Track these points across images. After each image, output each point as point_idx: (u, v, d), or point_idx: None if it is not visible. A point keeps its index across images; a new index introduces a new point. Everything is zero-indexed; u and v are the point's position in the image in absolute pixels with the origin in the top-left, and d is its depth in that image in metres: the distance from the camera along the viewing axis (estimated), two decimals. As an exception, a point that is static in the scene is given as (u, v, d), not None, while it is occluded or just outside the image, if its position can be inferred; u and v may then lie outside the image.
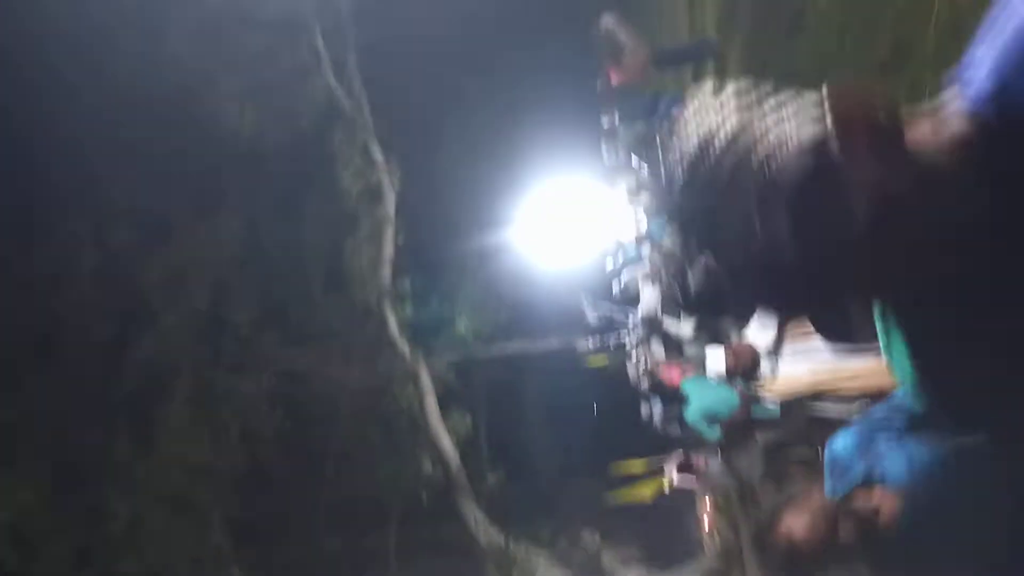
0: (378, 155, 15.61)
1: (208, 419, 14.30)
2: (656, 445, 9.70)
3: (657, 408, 9.02)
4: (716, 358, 4.79)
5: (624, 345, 9.98)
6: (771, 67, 7.62)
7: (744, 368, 4.63)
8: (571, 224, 12.42)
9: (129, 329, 14.48)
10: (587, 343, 11.31)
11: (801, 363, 4.28)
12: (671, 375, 6.82)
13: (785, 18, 7.00)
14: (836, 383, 4.14)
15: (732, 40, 9.01)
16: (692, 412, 6.57)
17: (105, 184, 14.59)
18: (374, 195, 15.62)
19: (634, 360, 9.73)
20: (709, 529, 15.19)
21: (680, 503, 13.02)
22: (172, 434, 13.87)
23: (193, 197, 15.38)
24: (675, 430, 8.65)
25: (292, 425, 14.98)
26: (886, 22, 4.84)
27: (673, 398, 7.19)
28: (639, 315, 7.36)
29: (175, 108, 14.65)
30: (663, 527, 15.13)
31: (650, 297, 6.73)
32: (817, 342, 4.12)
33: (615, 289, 10.43)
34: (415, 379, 15.34)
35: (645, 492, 11.79)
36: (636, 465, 12.97)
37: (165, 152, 14.78)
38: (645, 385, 8.43)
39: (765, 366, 4.60)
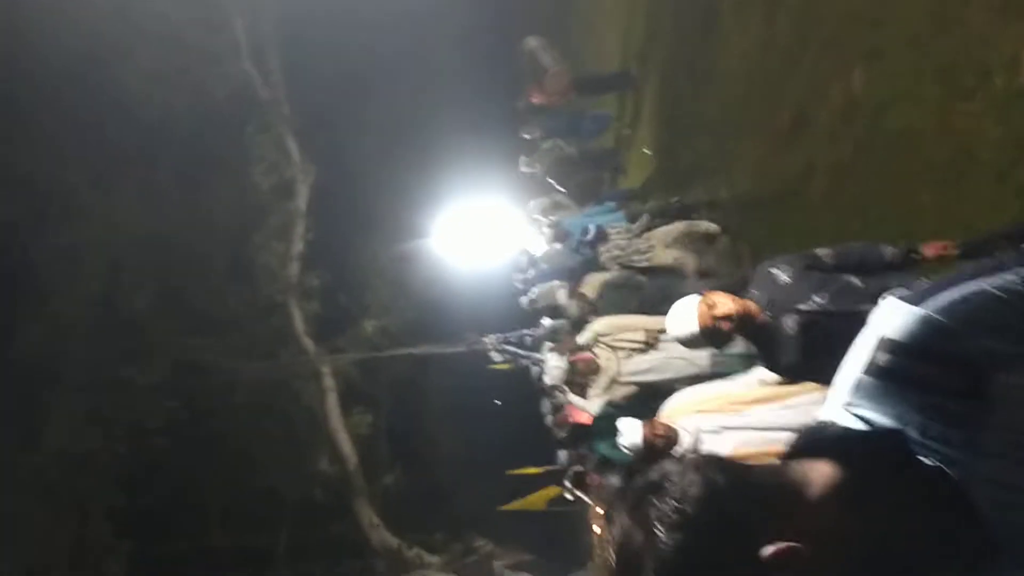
0: (293, 149, 15.37)
1: (96, 408, 13.79)
2: (552, 451, 9.97)
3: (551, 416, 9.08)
4: (632, 430, 4.40)
5: (528, 359, 10.19)
6: (680, 109, 7.97)
7: (661, 444, 4.25)
8: (483, 233, 12.61)
9: (16, 311, 13.80)
10: (492, 349, 11.50)
11: (728, 439, 4.11)
12: (577, 416, 6.83)
13: (699, 69, 7.34)
14: (761, 459, 4.00)
15: (650, 77, 9.35)
16: (605, 446, 6.78)
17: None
18: (287, 189, 15.38)
19: (535, 375, 9.96)
20: (598, 537, 15.66)
21: (572, 512, 13.34)
22: (57, 422, 13.33)
23: (93, 174, 14.74)
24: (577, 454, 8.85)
25: (186, 417, 14.59)
26: (788, 97, 5.18)
27: (580, 436, 7.21)
28: (546, 382, 7.16)
29: (80, 79, 13.97)
30: (554, 534, 15.48)
31: (554, 367, 6.56)
32: (748, 419, 4.16)
33: (524, 302, 10.67)
34: (317, 376, 15.22)
35: (538, 502, 12.04)
36: (531, 471, 13.23)
37: (66, 123, 14.09)
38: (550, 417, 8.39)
39: (684, 444, 4.24)
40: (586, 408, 6.31)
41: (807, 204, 5.12)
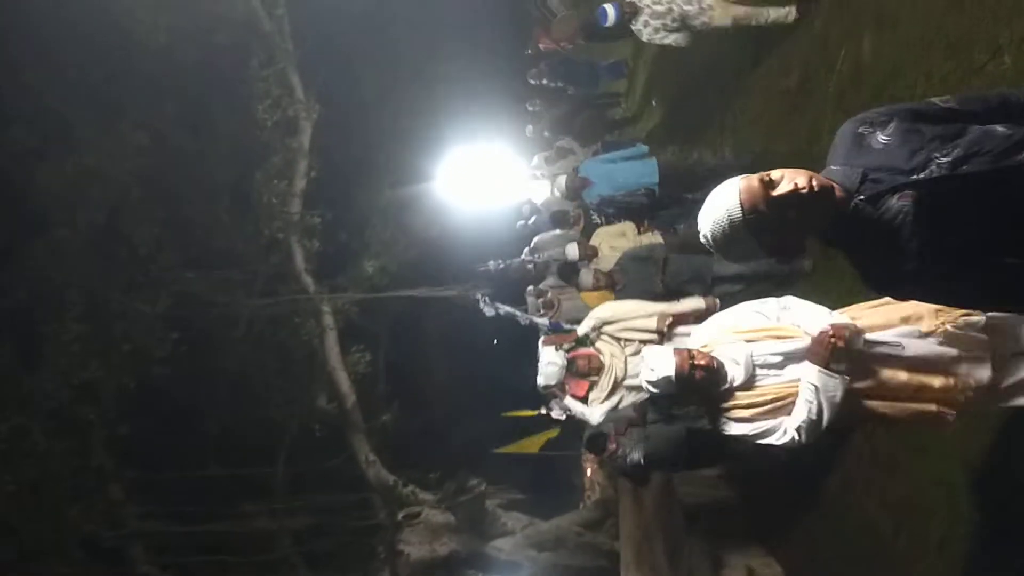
0: (297, 85, 15.19)
1: (98, 337, 13.93)
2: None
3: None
4: (663, 361, 3.32)
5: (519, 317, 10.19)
6: (691, 63, 7.88)
7: (699, 377, 3.23)
8: (486, 176, 12.58)
9: (20, 238, 13.85)
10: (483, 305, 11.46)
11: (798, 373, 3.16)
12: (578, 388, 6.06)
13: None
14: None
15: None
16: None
17: (3, 81, 13.73)
18: (290, 126, 15.24)
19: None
20: (589, 480, 16.00)
21: (564, 456, 13.64)
22: (60, 350, 13.48)
23: (98, 105, 14.64)
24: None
25: (187, 349, 14.74)
26: (797, 57, 5.15)
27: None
28: (539, 383, 6.40)
29: (85, 8, 13.82)
30: (546, 475, 15.82)
31: (549, 364, 5.77)
32: None
33: (523, 249, 10.70)
34: (317, 314, 15.30)
35: (531, 446, 12.30)
36: (526, 413, 13.47)
37: (70, 54, 13.97)
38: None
39: (737, 378, 3.20)
40: (586, 417, 5.42)
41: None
